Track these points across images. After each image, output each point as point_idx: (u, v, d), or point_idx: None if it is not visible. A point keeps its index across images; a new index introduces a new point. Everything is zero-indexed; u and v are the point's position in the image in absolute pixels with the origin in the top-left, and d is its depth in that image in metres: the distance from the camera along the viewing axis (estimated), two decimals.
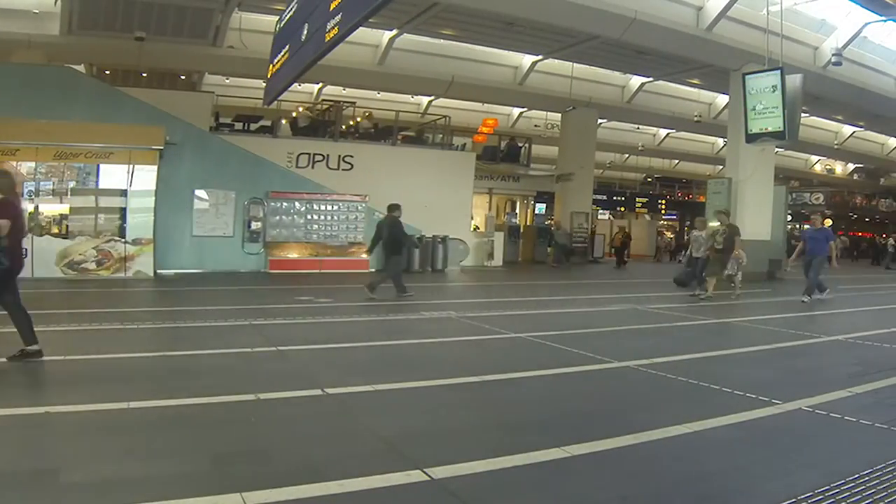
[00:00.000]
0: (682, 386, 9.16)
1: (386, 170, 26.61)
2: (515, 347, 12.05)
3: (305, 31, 13.98)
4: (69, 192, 20.29)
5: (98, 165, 20.38)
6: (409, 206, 24.10)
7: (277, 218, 24.43)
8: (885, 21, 29.45)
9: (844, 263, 30.53)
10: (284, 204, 24.65)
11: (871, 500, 5.26)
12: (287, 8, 17.11)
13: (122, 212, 20.58)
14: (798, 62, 27.45)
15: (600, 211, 53.29)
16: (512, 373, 9.51)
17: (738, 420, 7.50)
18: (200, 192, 23.35)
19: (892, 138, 53.96)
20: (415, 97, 39.70)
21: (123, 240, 20.42)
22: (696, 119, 40.75)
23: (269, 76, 18.87)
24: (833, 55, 29.21)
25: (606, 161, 55.90)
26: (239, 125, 27.69)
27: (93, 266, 20.04)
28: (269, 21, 22.82)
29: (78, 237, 20.09)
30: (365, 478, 5.35)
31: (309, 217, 25.18)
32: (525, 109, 43.74)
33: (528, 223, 39.91)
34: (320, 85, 36.22)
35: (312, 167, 25.74)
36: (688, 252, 22.43)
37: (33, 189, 19.87)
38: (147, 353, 10.13)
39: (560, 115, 39.43)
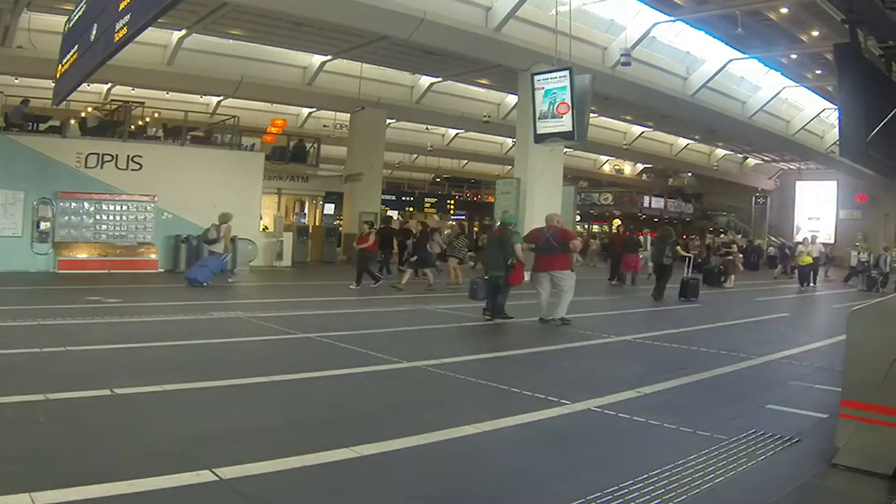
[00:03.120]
0: (472, 386, 9.93)
1: (175, 170, 27.86)
2: (305, 348, 12.94)
3: (94, 31, 14.04)
4: None
5: None
6: (197, 207, 25.65)
7: (67, 218, 25.65)
8: (673, 21, 31.63)
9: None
10: (73, 204, 25.88)
11: (659, 500, 5.81)
12: (76, 8, 17.34)
13: None
14: (587, 62, 29.38)
15: (389, 211, 54.97)
16: (301, 373, 10.24)
17: (528, 420, 8.13)
18: None
19: (681, 138, 57.58)
20: (204, 97, 40.78)
21: None
22: (485, 119, 42.92)
23: (58, 76, 19.11)
24: (622, 55, 31.07)
25: (395, 161, 57.90)
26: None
27: None
28: (58, 21, 23.44)
29: None
30: (154, 478, 5.69)
31: (98, 217, 26.44)
32: (314, 110, 45.47)
33: (316, 223, 41.39)
34: (109, 85, 36.86)
35: (101, 167, 26.73)
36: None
37: None
38: None
39: (349, 115, 41.35)
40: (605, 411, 8.68)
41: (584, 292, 24.32)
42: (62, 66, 18.41)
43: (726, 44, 34.38)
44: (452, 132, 53.77)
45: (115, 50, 12.72)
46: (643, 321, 18.19)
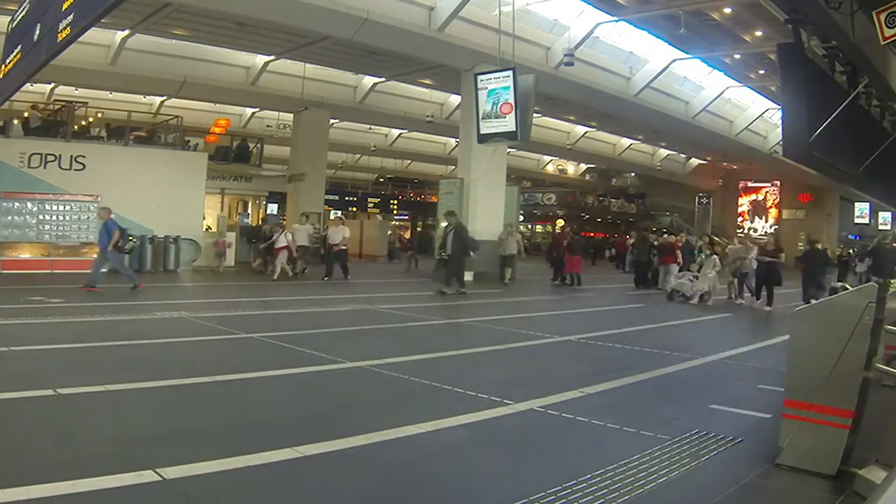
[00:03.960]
0: (415, 386, 9.95)
1: (118, 170, 27.76)
2: (248, 348, 12.94)
3: (38, 32, 13.66)
4: None
5: None
6: (141, 206, 25.74)
7: (10, 218, 25.77)
8: (616, 21, 32.49)
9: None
10: (17, 204, 25.96)
11: (602, 500, 5.87)
12: (19, 8, 17.29)
13: None
14: (530, 62, 30.10)
15: (332, 211, 55.40)
16: (245, 373, 10.27)
17: (471, 420, 8.20)
18: None
19: (625, 138, 58.73)
20: (147, 97, 41.08)
21: None
22: (428, 119, 43.76)
23: (1, 76, 18.53)
24: (565, 55, 31.96)
25: (339, 161, 58.45)
26: None
27: None
28: (1, 21, 23.17)
29: None
30: (97, 478, 5.72)
31: (41, 217, 26.52)
32: (257, 110, 46.04)
33: (260, 223, 40.96)
34: (52, 85, 37.14)
35: (45, 167, 26.70)
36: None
37: None
38: None
39: (292, 115, 41.97)
40: (549, 411, 8.76)
41: (527, 292, 25.23)
42: (5, 66, 18.03)
43: (669, 44, 35.13)
44: (395, 132, 54.58)
45: (59, 50, 12.58)
46: (586, 321, 18.30)
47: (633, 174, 75.14)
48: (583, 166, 73.18)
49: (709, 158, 66.45)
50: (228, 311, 17.40)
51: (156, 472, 5.92)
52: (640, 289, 30.26)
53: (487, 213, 31.01)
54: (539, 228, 69.90)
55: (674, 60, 37.89)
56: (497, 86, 25.33)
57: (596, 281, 32.28)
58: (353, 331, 15.46)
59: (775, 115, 47.01)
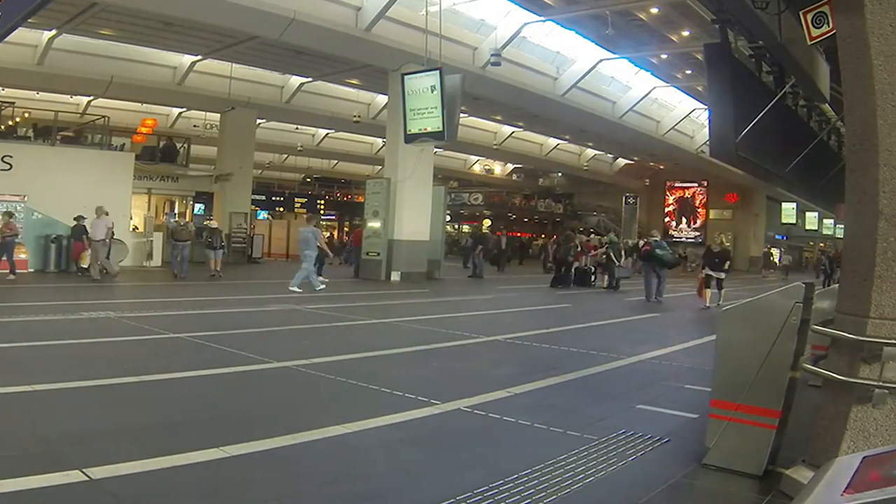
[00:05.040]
0: (342, 386, 10.01)
1: (45, 170, 28.12)
2: (175, 348, 12.89)
3: None
4: None
5: None
6: (68, 206, 25.97)
7: None
8: (543, 21, 32.79)
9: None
10: None
11: (529, 500, 5.90)
12: None
13: None
14: (457, 62, 30.47)
15: (259, 211, 56.07)
16: (172, 373, 10.25)
17: (398, 420, 8.24)
18: None
19: (551, 139, 59.30)
20: (74, 97, 41.21)
21: None
22: (355, 119, 44.29)
23: None
24: (492, 55, 32.29)
25: (266, 161, 59.01)
26: None
27: None
28: None
29: None
30: (23, 478, 5.67)
31: None
32: (184, 110, 46.33)
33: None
34: None
35: None
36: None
37: None
38: None
39: (219, 115, 42.35)
40: (476, 411, 8.79)
41: (456, 292, 25.88)
42: None
43: (597, 44, 35.66)
44: (322, 132, 55.00)
45: None
46: (513, 321, 18.59)
47: (560, 174, 75.92)
48: (510, 166, 73.85)
49: (636, 158, 67.11)
50: (155, 311, 17.39)
51: (83, 472, 5.95)
52: (560, 288, 31.08)
53: (415, 214, 31.52)
54: (466, 228, 70.42)
55: (601, 60, 38.32)
56: (424, 86, 26.18)
57: (522, 281, 32.75)
58: (281, 331, 15.60)
59: (702, 115, 47.61)
